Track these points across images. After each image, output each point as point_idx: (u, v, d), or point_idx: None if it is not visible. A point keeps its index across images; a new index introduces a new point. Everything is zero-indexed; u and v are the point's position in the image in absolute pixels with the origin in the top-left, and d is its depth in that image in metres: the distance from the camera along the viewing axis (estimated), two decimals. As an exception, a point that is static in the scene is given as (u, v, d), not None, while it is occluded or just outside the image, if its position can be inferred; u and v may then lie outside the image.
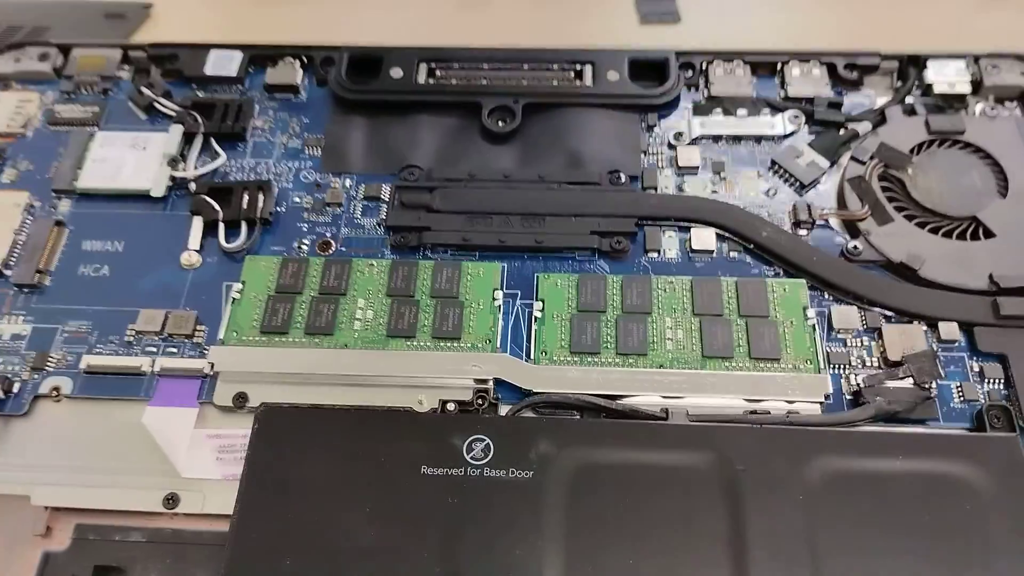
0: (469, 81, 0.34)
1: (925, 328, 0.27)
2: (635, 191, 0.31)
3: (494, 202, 0.31)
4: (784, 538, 0.23)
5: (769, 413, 0.26)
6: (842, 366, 0.27)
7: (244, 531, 0.24)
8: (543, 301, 0.29)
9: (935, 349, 0.27)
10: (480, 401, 0.27)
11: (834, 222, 0.30)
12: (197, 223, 0.32)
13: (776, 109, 0.32)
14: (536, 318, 0.28)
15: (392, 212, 0.31)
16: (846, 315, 0.28)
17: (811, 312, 0.28)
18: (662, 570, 0.23)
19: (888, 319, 0.28)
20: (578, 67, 0.34)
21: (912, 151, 0.31)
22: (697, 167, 0.32)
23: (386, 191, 0.32)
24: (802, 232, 0.30)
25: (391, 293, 0.29)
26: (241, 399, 0.27)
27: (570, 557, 0.23)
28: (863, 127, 0.32)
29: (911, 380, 0.26)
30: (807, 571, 0.23)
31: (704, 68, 0.34)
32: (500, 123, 0.33)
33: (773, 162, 0.31)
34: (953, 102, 0.33)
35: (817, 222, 0.30)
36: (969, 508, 0.24)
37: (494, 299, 0.29)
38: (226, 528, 0.24)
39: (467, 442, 0.25)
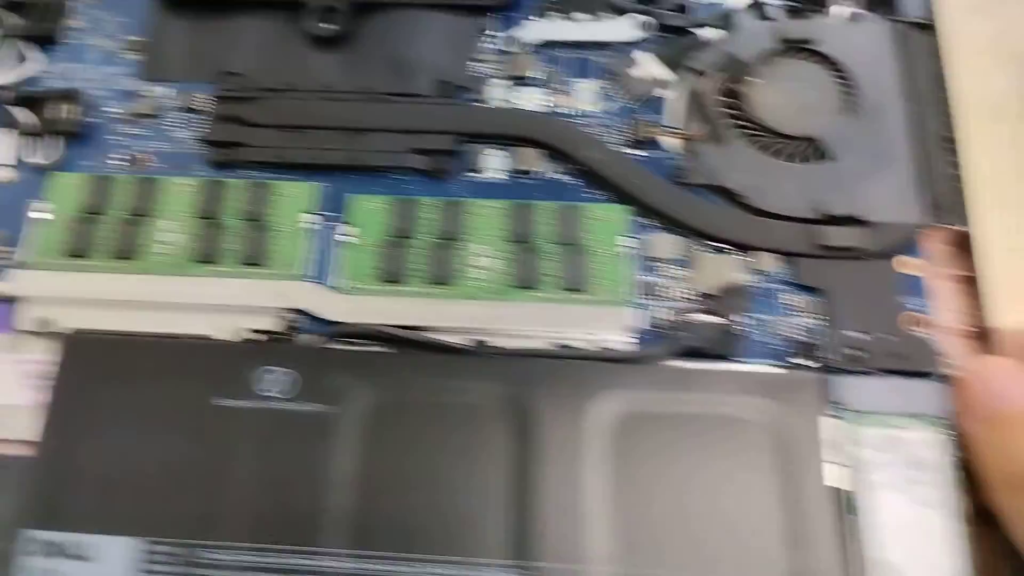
0: (296, -22, 0.31)
1: (745, 258, 0.26)
2: (462, 104, 0.29)
3: (313, 115, 0.29)
4: (575, 475, 0.23)
5: (574, 347, 0.25)
6: (655, 298, 0.26)
7: (47, 458, 0.24)
8: (354, 225, 0.27)
9: (750, 281, 0.25)
10: (283, 331, 0.26)
11: (669, 141, 0.28)
12: (5, 136, 0.30)
13: (620, 13, 0.30)
14: (345, 243, 0.27)
15: (207, 125, 0.29)
16: (666, 243, 0.27)
17: (628, 240, 0.26)
18: (449, 505, 0.23)
19: (709, 248, 0.26)
20: (413, -34, 0.31)
21: (758, 61, 0.29)
22: (532, 77, 0.29)
23: (204, 102, 0.30)
24: (636, 152, 0.28)
25: (200, 215, 0.28)
26: (44, 325, 0.26)
27: (360, 496, 0.23)
28: (712, 33, 0.29)
29: (721, 314, 0.25)
30: (597, 508, 0.23)
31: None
32: (325, 26, 0.30)
33: (611, 72, 0.29)
34: (813, 5, 0.30)
35: (655, 140, 0.28)
36: (763, 448, 0.23)
37: (303, 222, 0.27)
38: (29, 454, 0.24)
39: (265, 373, 0.25)
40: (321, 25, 0.30)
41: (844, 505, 0.23)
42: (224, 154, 0.29)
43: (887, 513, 0.23)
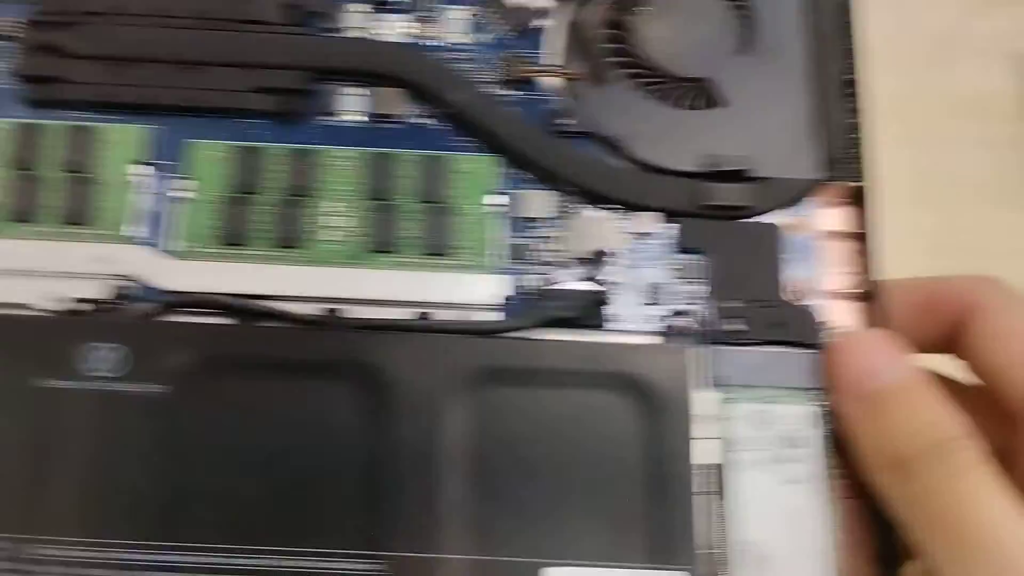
0: None
1: (624, 217, 0.24)
2: (314, 35, 0.25)
3: (144, 46, 0.25)
4: (432, 455, 0.22)
5: (434, 318, 0.23)
6: (526, 262, 0.24)
7: None
8: (191, 179, 0.24)
9: (627, 243, 0.23)
10: (111, 300, 0.23)
11: (547, 81, 0.25)
12: None
13: (501, -72, 0.26)
14: (182, 199, 0.24)
15: (20, 56, 0.25)
16: (540, 201, 0.24)
17: (497, 198, 0.24)
18: (296, 492, 0.22)
19: (586, 205, 0.24)
20: None
21: (653, -14, 0.26)
22: (396, 2, 0.26)
23: (15, 27, 0.26)
24: (509, 93, 0.25)
25: (12, 165, 0.24)
26: None
27: (198, 483, 0.22)
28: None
29: (593, 281, 0.23)
30: (454, 492, 0.21)
31: None
32: (161, -64, 0.26)
33: (483, -1, 0.26)
34: (718, -78, 0.27)
35: (531, 80, 0.25)
36: (630, 423, 0.22)
37: (132, 174, 0.24)
38: None
39: (91, 350, 0.22)
40: (151, -65, 0.26)
41: (712, 483, 0.22)
42: (41, 91, 0.25)
43: (756, 491, 0.22)
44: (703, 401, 0.22)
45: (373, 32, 0.26)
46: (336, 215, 0.24)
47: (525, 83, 0.25)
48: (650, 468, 0.22)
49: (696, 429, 0.22)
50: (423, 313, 0.23)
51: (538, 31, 0.26)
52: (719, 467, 0.22)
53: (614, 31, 0.25)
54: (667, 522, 0.21)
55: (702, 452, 0.22)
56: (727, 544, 0.21)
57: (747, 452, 0.22)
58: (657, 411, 0.22)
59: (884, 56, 0.30)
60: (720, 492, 0.22)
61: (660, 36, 0.25)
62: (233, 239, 0.24)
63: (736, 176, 0.24)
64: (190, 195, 0.24)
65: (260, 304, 0.23)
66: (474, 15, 0.26)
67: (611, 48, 0.25)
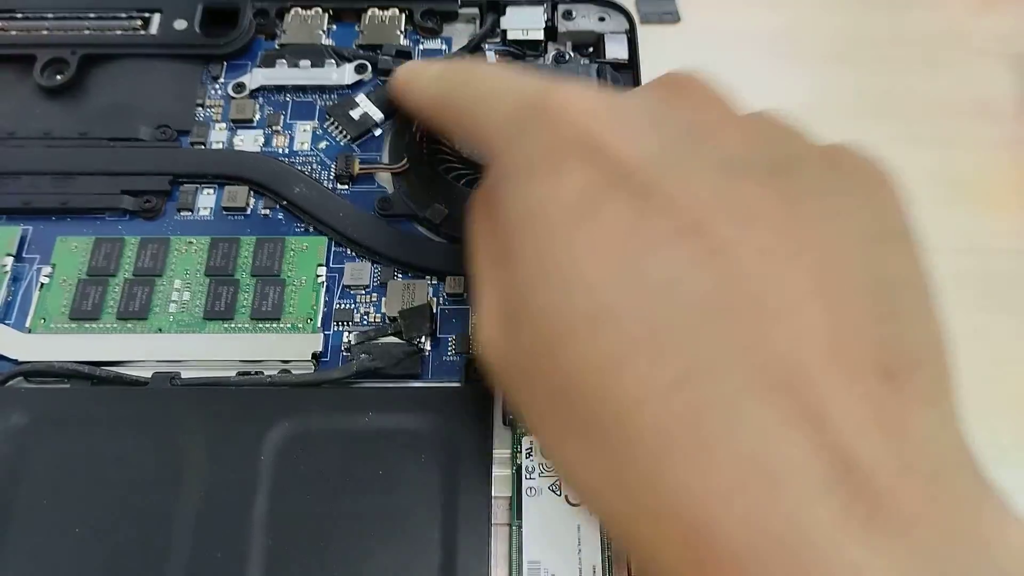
0: (29, 32, 0.32)
1: (434, 283, 0.27)
2: (177, 147, 0.30)
3: (27, 161, 0.29)
4: (237, 505, 0.23)
5: (261, 374, 0.25)
6: (346, 323, 0.26)
7: None
8: (54, 266, 0.27)
9: (432, 304, 0.26)
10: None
11: (383, 175, 0.29)
12: None
13: (343, 59, 0.31)
14: (43, 284, 0.27)
15: (-76, 174, 0.29)
16: (359, 271, 0.27)
17: (323, 270, 0.27)
18: (120, 544, 0.23)
19: (401, 274, 0.27)
20: (146, 15, 0.32)
21: (469, 100, 0.30)
22: (252, 120, 0.30)
23: (-77, 151, 0.30)
24: (344, 187, 0.29)
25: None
26: None
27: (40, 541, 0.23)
28: (429, 76, 0.31)
29: (406, 336, 0.26)
30: (257, 536, 0.22)
31: (279, 15, 0.32)
32: (57, 77, 0.31)
33: (328, 114, 0.30)
34: (530, 49, 0.32)
35: (356, 175, 0.29)
36: (434, 461, 0.24)
37: (1, 265, 0.27)
38: None
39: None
40: (47, 76, 0.31)
41: (511, 512, 0.23)
42: (-63, 201, 0.29)
43: (545, 516, 0.23)
44: (501, 437, 0.24)
45: (235, 145, 0.30)
46: (181, 290, 0.27)
47: (365, 178, 0.29)
48: (452, 502, 0.23)
49: (496, 463, 0.24)
50: (255, 372, 0.25)
51: (372, 137, 0.30)
52: (513, 496, 0.23)
53: (434, 135, 0.30)
54: (467, 551, 0.22)
55: (500, 483, 0.23)
56: (521, 569, 0.22)
57: (540, 479, 0.24)
58: (460, 448, 0.24)
59: (884, 56, 0.32)
60: (518, 518, 0.23)
61: (474, 137, 0.30)
62: (84, 315, 0.26)
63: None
64: (45, 279, 0.27)
65: (95, 368, 0.25)
66: (320, 127, 0.31)
67: (431, 147, 0.29)
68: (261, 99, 0.31)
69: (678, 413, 0.14)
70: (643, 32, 0.32)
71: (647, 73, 0.31)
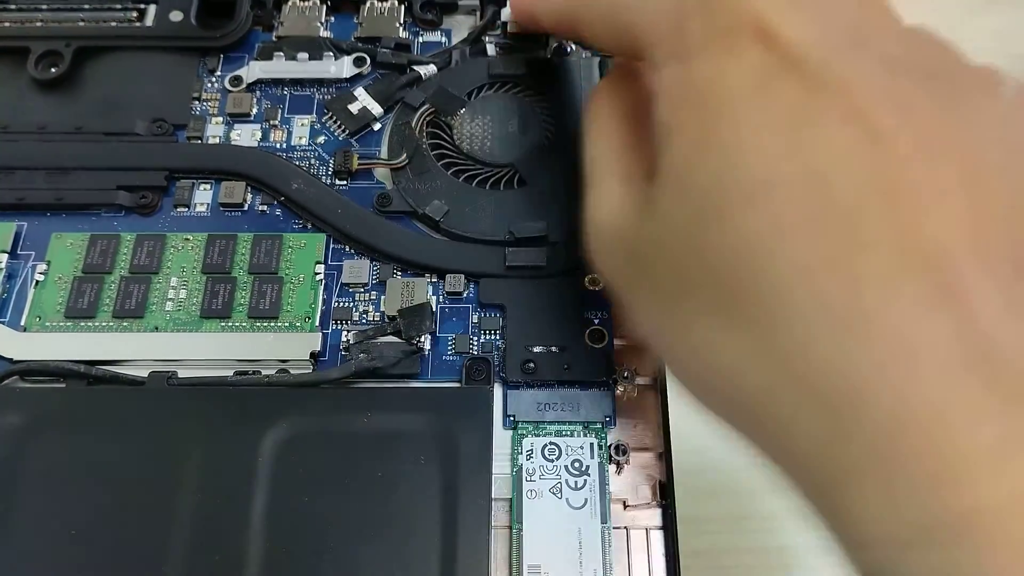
0: (23, 24, 0.31)
1: (433, 280, 0.27)
2: (173, 142, 0.29)
3: (21, 156, 0.29)
4: (234, 506, 0.23)
5: (259, 373, 0.25)
6: (344, 322, 0.26)
7: None
8: (49, 263, 0.27)
9: (431, 302, 0.26)
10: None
11: (382, 171, 0.29)
12: None
13: (342, 51, 0.31)
14: (38, 281, 0.27)
15: (-83, 169, 0.29)
16: (358, 269, 0.27)
17: (321, 268, 0.27)
18: (125, 542, 0.22)
19: (400, 272, 0.27)
20: (142, 7, 0.32)
21: (470, 95, 0.30)
22: (249, 114, 0.30)
23: (-83, 146, 0.29)
24: (342, 182, 0.28)
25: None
26: None
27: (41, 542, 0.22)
28: (429, 70, 0.30)
29: (405, 335, 0.25)
30: (254, 538, 0.22)
31: (276, 7, 0.32)
32: (52, 70, 0.30)
33: (326, 108, 0.30)
34: (531, 42, 0.31)
35: (355, 170, 0.28)
36: (434, 462, 0.23)
37: (-2, 262, 0.27)
38: None
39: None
40: (41, 69, 0.30)
41: (511, 515, 0.23)
42: (-69, 196, 0.28)
43: (545, 519, 0.23)
44: (501, 438, 0.24)
45: (231, 139, 0.30)
46: (178, 288, 0.27)
47: (363, 174, 0.29)
48: (453, 503, 0.23)
49: (496, 464, 0.23)
50: (252, 372, 0.25)
51: (371, 132, 0.30)
52: (514, 499, 0.23)
53: (435, 130, 0.29)
54: (468, 553, 0.22)
55: (500, 486, 0.23)
56: (522, 571, 0.22)
57: (540, 482, 0.23)
58: (460, 449, 0.24)
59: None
60: (519, 520, 0.23)
61: (475, 133, 0.29)
62: (80, 313, 0.26)
63: (534, 241, 0.27)
64: (40, 277, 0.27)
65: (92, 369, 0.25)
66: (318, 121, 0.30)
67: (432, 143, 0.29)
68: (258, 92, 0.31)
69: (834, 287, 0.15)
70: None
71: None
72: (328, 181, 0.29)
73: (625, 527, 0.23)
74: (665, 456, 0.24)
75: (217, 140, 0.30)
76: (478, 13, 0.33)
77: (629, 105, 0.22)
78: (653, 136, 0.19)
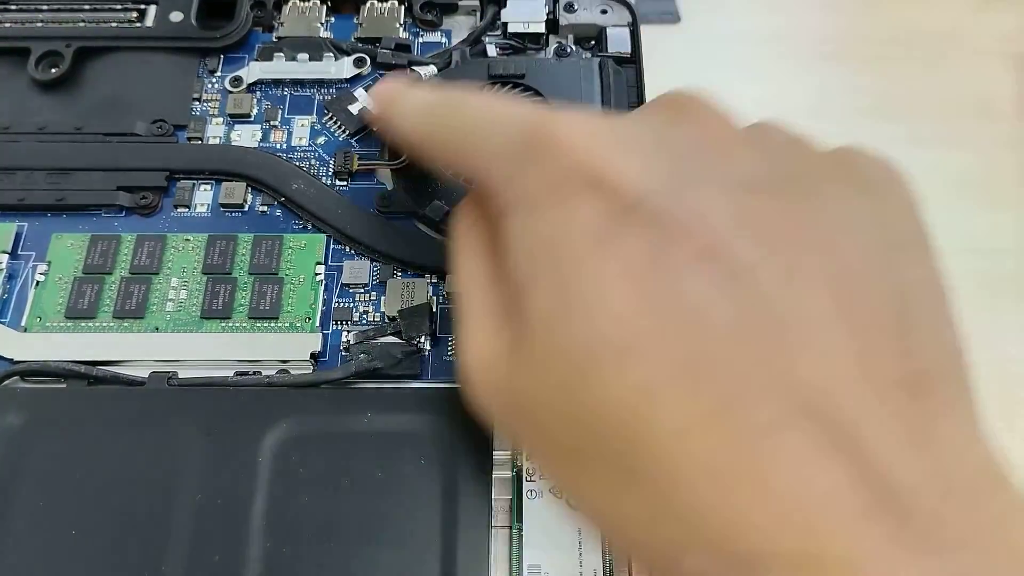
0: (23, 24, 0.31)
1: (434, 281, 0.27)
2: (173, 142, 0.29)
3: (21, 157, 0.29)
4: (235, 506, 0.23)
5: (260, 374, 0.25)
6: (345, 322, 0.26)
7: None
8: (49, 263, 0.27)
9: (431, 303, 0.26)
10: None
11: (383, 172, 0.29)
12: None
13: (342, 52, 0.31)
14: (38, 282, 0.27)
15: (-82, 169, 0.29)
16: (358, 269, 0.27)
17: (321, 268, 0.27)
18: (125, 542, 0.22)
19: (400, 273, 0.27)
20: (142, 7, 0.32)
21: (470, 95, 0.30)
22: (249, 114, 0.30)
23: (-83, 146, 0.29)
24: (343, 183, 0.29)
25: None
26: None
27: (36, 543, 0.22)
28: (428, 71, 0.30)
29: (405, 336, 0.25)
30: (255, 538, 0.22)
31: (276, 7, 0.32)
32: (52, 70, 0.30)
33: (326, 108, 0.30)
34: (531, 42, 0.31)
35: (355, 171, 0.28)
36: (434, 463, 0.23)
37: (-2, 263, 0.27)
38: None
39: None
40: (41, 70, 0.30)
41: (511, 515, 0.23)
42: (-69, 197, 0.28)
43: (545, 519, 0.23)
44: (501, 438, 0.24)
45: (232, 140, 0.30)
46: (178, 289, 0.27)
47: (364, 175, 0.29)
48: (453, 503, 0.23)
49: (496, 465, 0.23)
50: (253, 372, 0.25)
51: (371, 133, 0.30)
52: (514, 499, 0.23)
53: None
54: (469, 554, 0.22)
55: (500, 486, 0.23)
56: (522, 571, 0.22)
57: (540, 482, 0.23)
58: (459, 450, 0.24)
59: (884, 56, 0.32)
60: (519, 521, 0.23)
61: (475, 132, 0.29)
62: (80, 313, 0.26)
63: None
64: (40, 278, 0.27)
65: (94, 368, 0.25)
66: (319, 122, 0.30)
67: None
68: (258, 93, 0.31)
69: (716, 445, 0.14)
70: (644, 31, 0.31)
71: (649, 69, 0.30)
72: (328, 182, 0.29)
73: (625, 527, 0.23)
74: (665, 456, 0.24)
75: (217, 141, 0.30)
76: (478, 14, 0.33)
77: (490, 232, 0.20)
78: (511, 278, 0.18)
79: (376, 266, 0.27)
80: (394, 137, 0.24)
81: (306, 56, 0.31)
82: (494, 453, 0.24)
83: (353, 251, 0.27)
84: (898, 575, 0.13)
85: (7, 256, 0.27)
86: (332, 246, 0.28)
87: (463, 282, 0.21)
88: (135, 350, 0.26)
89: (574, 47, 0.32)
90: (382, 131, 0.25)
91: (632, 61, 0.31)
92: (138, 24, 0.32)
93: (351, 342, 0.25)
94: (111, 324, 0.26)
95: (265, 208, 0.28)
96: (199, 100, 0.31)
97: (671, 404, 0.14)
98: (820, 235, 0.15)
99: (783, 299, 0.14)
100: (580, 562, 0.22)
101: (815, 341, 0.14)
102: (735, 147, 0.17)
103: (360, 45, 0.31)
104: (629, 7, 0.32)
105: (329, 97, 0.30)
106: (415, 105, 0.22)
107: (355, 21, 0.32)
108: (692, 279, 0.15)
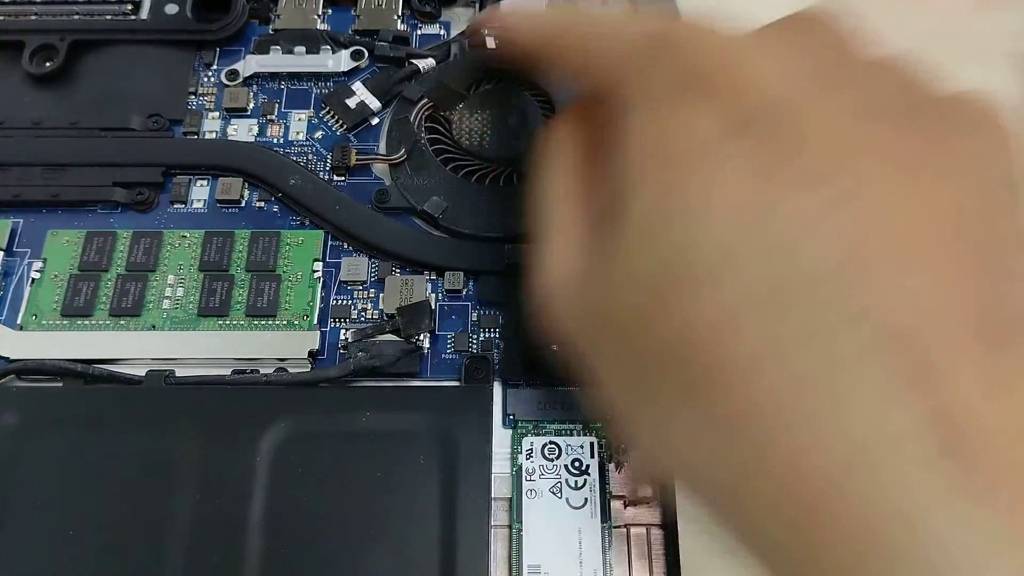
0: (17, 18, 0.31)
1: (432, 278, 0.26)
2: (169, 137, 0.29)
3: (16, 152, 0.28)
4: (233, 506, 0.23)
5: (257, 372, 0.25)
6: (343, 320, 0.26)
7: None
8: (45, 260, 0.27)
9: (430, 300, 0.26)
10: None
11: (380, 167, 0.28)
12: None
13: (339, 45, 0.30)
14: (34, 279, 0.26)
15: (-88, 165, 0.28)
16: (356, 266, 0.27)
17: (319, 265, 0.26)
18: (122, 543, 0.22)
19: (399, 270, 0.27)
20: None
21: (469, 89, 0.29)
22: (246, 108, 0.30)
23: (-90, 141, 0.29)
24: (341, 178, 0.28)
25: None
26: None
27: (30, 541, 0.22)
28: (427, 63, 0.30)
29: (404, 333, 0.25)
30: (253, 537, 0.22)
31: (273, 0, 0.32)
32: (46, 64, 0.30)
33: (323, 103, 0.29)
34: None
35: (353, 166, 0.28)
36: (433, 461, 0.23)
37: (-8, 260, 0.27)
38: None
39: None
40: (36, 63, 0.30)
41: (511, 514, 0.23)
42: (-72, 193, 0.28)
43: (545, 519, 0.23)
44: (500, 437, 0.24)
45: (228, 134, 0.29)
46: (175, 286, 0.26)
47: (360, 169, 0.29)
48: (452, 502, 0.23)
49: (495, 463, 0.23)
50: (251, 370, 0.25)
51: (369, 127, 0.30)
52: (514, 498, 0.23)
53: (434, 124, 0.29)
54: (468, 552, 0.22)
55: (500, 485, 0.23)
56: (522, 570, 0.22)
57: (539, 481, 0.23)
58: (459, 448, 0.23)
59: None
60: (518, 519, 0.23)
61: (474, 128, 0.29)
62: (76, 311, 0.26)
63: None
64: (36, 275, 0.26)
65: (89, 367, 0.25)
66: (316, 116, 0.30)
67: (430, 138, 0.29)
68: (255, 87, 0.30)
69: (794, 377, 0.14)
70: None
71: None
72: (326, 177, 0.28)
73: (625, 526, 0.23)
74: (666, 455, 0.24)
75: (214, 135, 0.29)
76: (477, 5, 0.32)
77: (586, 146, 0.20)
78: (613, 183, 0.17)
79: (374, 263, 0.27)
80: (513, 42, 0.23)
81: (303, 49, 0.31)
82: (493, 452, 0.23)
83: (351, 248, 0.27)
84: (955, 531, 0.12)
85: (2, 253, 0.27)
86: (330, 242, 0.27)
87: (552, 195, 0.20)
88: (132, 348, 0.25)
89: (574, 40, 0.31)
90: (502, 39, 0.24)
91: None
92: (133, 17, 0.31)
93: (349, 340, 0.25)
94: (107, 322, 0.26)
95: (262, 204, 0.28)
96: (195, 94, 0.30)
97: (754, 330, 0.14)
98: (934, 172, 0.15)
99: (885, 231, 0.14)
100: (580, 561, 0.22)
101: (910, 278, 0.14)
102: (860, 72, 0.17)
103: (358, 38, 0.31)
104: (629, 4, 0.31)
105: (326, 91, 0.30)
106: (542, 11, 0.22)
107: (353, 13, 0.32)
108: (798, 200, 0.15)
